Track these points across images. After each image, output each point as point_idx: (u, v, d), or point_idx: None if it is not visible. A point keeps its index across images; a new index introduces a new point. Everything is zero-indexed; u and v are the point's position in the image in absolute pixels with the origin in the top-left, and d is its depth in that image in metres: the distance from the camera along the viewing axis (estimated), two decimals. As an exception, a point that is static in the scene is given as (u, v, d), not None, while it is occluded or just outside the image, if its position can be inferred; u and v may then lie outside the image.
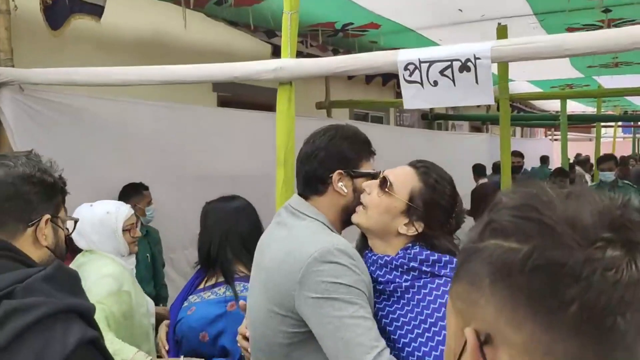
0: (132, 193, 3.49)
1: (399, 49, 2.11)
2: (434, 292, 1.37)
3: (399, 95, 7.74)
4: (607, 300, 0.53)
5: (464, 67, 1.93)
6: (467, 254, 0.64)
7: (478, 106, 9.75)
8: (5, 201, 1.23)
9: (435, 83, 1.98)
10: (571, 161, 7.43)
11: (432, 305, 1.36)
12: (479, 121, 9.79)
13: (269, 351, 1.46)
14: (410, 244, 1.45)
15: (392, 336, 1.36)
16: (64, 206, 1.37)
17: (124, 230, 2.32)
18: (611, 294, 0.53)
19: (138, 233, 2.44)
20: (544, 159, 9.89)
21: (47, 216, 1.28)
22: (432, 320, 1.34)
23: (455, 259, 1.39)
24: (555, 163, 9.56)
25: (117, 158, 3.57)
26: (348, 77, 6.35)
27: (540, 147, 11.86)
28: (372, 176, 1.55)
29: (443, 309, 1.32)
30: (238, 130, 4.26)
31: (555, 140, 14.08)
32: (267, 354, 1.46)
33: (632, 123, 12.89)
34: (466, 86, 1.94)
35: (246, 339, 1.61)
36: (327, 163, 1.53)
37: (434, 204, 1.45)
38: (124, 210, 2.36)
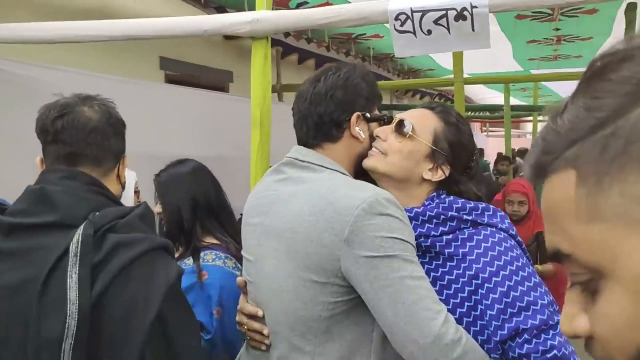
0: None
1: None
2: (483, 244, 1.22)
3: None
4: None
5: (460, 16, 1.83)
6: (621, 137, 0.43)
7: (421, 98, 9.90)
8: (112, 137, 1.35)
9: (429, 32, 1.87)
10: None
11: (482, 259, 1.20)
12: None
13: (302, 329, 1.21)
14: (435, 193, 1.31)
15: (439, 297, 1.17)
16: None
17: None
18: None
19: (140, 199, 2.27)
20: (480, 152, 10.13)
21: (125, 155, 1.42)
22: (486, 276, 1.18)
23: (491, 206, 1.28)
24: (492, 157, 9.81)
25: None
26: (298, 62, 6.23)
27: (477, 142, 12.19)
28: (386, 120, 1.39)
29: (496, 261, 1.19)
30: (189, 109, 4.02)
31: (490, 136, 14.56)
32: (299, 332, 1.22)
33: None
34: (462, 34, 1.85)
35: (252, 318, 1.35)
36: (345, 104, 1.33)
37: (459, 144, 1.33)
38: (134, 174, 2.27)
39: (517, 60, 7.03)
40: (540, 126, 9.95)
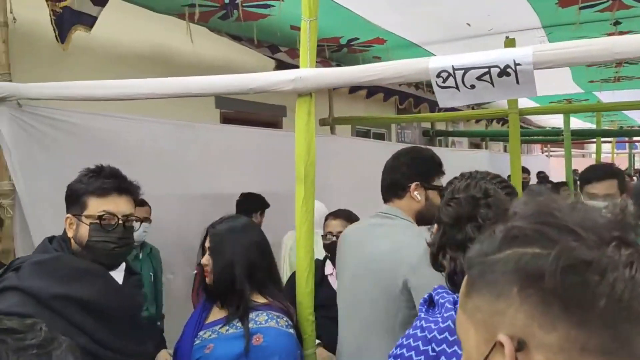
0: None
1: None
2: None
3: (400, 111, 7.70)
4: (630, 292, 0.58)
5: (504, 73, 1.80)
6: (484, 266, 0.67)
7: (477, 122, 9.72)
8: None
9: (472, 87, 1.86)
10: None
11: None
12: (479, 137, 9.73)
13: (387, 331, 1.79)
14: None
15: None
16: None
17: None
18: (632, 286, 0.59)
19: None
20: (543, 177, 9.79)
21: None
22: None
23: None
24: (555, 178, 9.47)
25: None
26: (349, 91, 6.24)
27: (538, 163, 11.81)
28: (440, 189, 1.91)
29: None
30: (242, 147, 4.12)
31: (552, 156, 14.06)
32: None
33: (626, 139, 12.94)
34: (506, 87, 1.82)
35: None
36: (407, 175, 2.01)
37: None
38: None
39: (576, 82, 6.80)
40: (604, 147, 9.58)
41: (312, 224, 2.19)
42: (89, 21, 3.26)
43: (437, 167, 2.06)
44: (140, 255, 3.57)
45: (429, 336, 1.18)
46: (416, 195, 1.98)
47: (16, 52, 2.95)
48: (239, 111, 5.12)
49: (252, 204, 3.90)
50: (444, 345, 1.16)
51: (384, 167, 2.08)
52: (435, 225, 1.40)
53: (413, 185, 1.98)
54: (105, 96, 2.63)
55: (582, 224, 0.62)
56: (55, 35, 3.01)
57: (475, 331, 0.67)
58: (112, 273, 1.76)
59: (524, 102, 7.98)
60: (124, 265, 1.84)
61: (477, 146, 10.48)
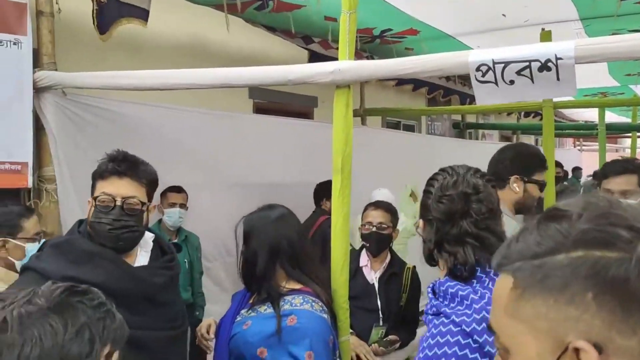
0: None
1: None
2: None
3: (430, 102, 7.66)
4: None
5: (544, 67, 1.80)
6: (542, 270, 0.63)
7: (509, 114, 9.60)
8: None
9: (512, 82, 1.86)
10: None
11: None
12: (510, 130, 9.61)
13: None
14: None
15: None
16: None
17: None
18: None
19: None
20: (577, 171, 9.66)
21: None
22: None
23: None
24: (587, 172, 9.32)
25: (155, 164, 3.48)
26: (378, 80, 6.22)
27: (570, 157, 11.63)
28: (540, 184, 2.27)
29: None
30: (277, 137, 4.18)
31: (584, 150, 13.81)
32: None
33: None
34: (546, 84, 1.81)
35: None
36: (509, 169, 2.27)
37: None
38: None
39: (613, 75, 6.65)
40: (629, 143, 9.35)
41: (348, 215, 2.23)
42: (143, 15, 3.33)
43: (539, 163, 2.32)
44: (176, 242, 3.64)
45: (468, 329, 1.21)
46: (515, 187, 2.23)
47: (61, 42, 3.04)
48: (271, 101, 5.17)
49: (321, 192, 4.21)
50: (485, 336, 1.19)
51: (490, 160, 2.37)
52: (421, 221, 1.44)
53: (513, 178, 2.23)
54: (145, 86, 2.70)
55: None
56: (95, 27, 3.09)
57: (535, 339, 0.64)
58: (139, 254, 1.83)
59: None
60: (150, 246, 1.89)
61: (507, 139, 10.35)
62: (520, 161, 2.29)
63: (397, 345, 2.78)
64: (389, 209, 2.97)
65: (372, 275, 2.92)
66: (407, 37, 4.82)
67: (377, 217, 2.91)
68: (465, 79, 7.08)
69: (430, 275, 1.68)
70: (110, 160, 1.76)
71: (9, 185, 2.79)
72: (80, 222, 1.83)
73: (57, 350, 0.84)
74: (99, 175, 1.76)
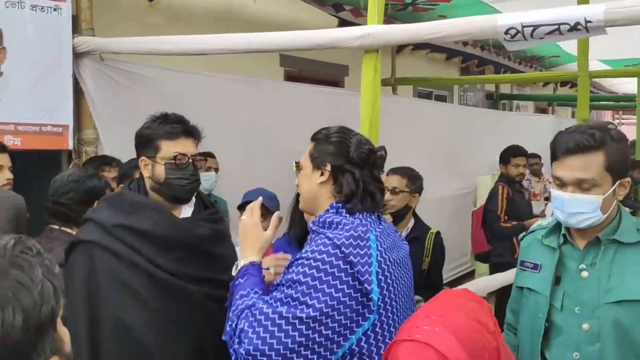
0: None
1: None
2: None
3: (463, 71, 7.56)
4: None
5: (574, 29, 1.80)
6: None
7: (544, 85, 9.39)
8: None
9: (542, 39, 1.87)
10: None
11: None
12: (546, 101, 9.41)
13: None
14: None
15: None
16: None
17: None
18: None
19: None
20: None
21: None
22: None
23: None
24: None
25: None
26: (412, 48, 6.17)
27: (608, 131, 11.31)
28: None
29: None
30: (306, 105, 4.22)
31: (623, 124, 13.44)
32: None
33: None
34: (576, 36, 1.83)
35: None
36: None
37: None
38: None
39: (655, 45, 6.45)
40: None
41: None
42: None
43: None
44: (207, 205, 3.74)
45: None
46: None
47: (98, 8, 3.13)
48: (302, 69, 5.20)
49: None
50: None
51: None
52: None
53: None
54: (178, 51, 2.77)
55: None
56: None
57: None
58: (183, 207, 1.95)
59: (595, 65, 7.65)
60: (193, 201, 2.01)
61: (543, 111, 10.15)
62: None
63: (422, 305, 2.84)
64: (406, 173, 2.93)
65: (395, 240, 2.96)
66: (440, 4, 4.76)
67: (391, 182, 2.88)
68: (500, 48, 6.95)
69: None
70: (166, 121, 1.85)
71: (50, 146, 2.92)
72: (131, 181, 1.96)
73: (35, 311, 0.76)
74: (162, 136, 1.82)
